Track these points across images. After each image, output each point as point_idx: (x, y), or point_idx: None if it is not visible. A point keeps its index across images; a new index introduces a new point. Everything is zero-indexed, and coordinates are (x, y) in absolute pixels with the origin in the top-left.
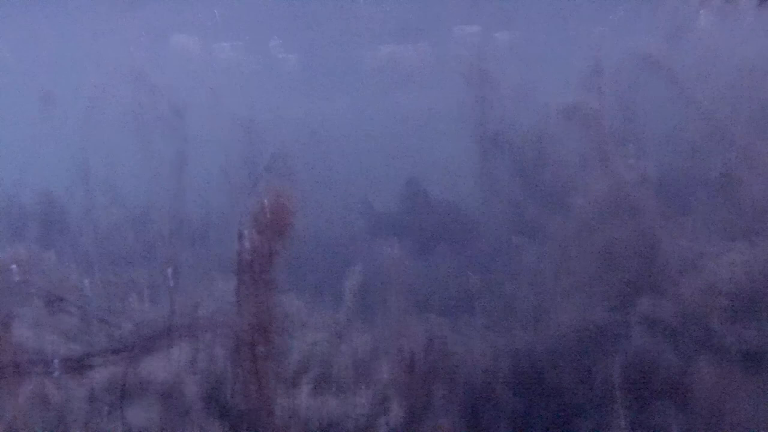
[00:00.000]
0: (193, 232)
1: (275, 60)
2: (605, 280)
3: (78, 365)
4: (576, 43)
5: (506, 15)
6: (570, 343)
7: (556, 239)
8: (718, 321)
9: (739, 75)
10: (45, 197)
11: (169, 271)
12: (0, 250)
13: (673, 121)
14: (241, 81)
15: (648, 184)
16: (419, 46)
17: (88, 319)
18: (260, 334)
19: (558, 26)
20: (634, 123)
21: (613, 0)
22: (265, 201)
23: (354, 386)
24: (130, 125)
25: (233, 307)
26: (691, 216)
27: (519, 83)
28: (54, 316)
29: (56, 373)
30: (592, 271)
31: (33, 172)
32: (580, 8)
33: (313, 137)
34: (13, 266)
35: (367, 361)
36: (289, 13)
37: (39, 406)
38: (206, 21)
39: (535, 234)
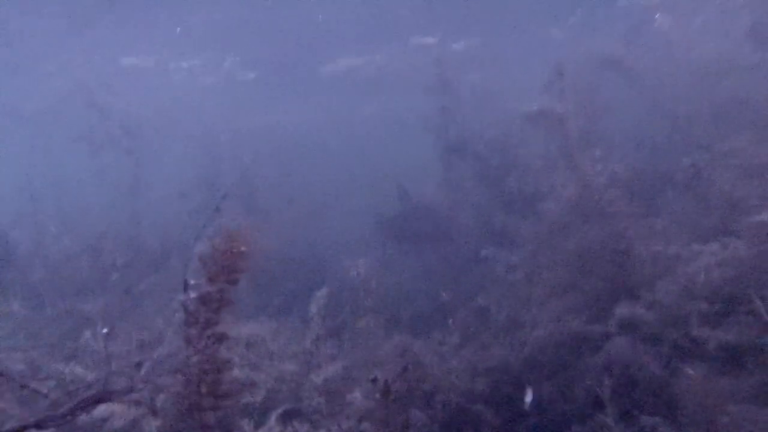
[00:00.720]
0: (148, 260)
1: (233, 78)
2: (580, 287)
3: None
4: (534, 49)
5: (463, 25)
6: (548, 356)
7: (527, 246)
8: (698, 325)
9: (696, 74)
10: None
11: (103, 331)
12: None
13: (635, 121)
14: (197, 99)
15: (616, 186)
16: (377, 57)
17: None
18: (208, 396)
19: (516, 33)
20: (598, 124)
21: (570, 3)
22: (217, 246)
23: (324, 419)
24: (79, 148)
25: (180, 364)
26: (660, 217)
27: (478, 90)
28: None
29: None
30: (566, 277)
31: None
32: (537, 14)
33: (269, 149)
34: None
35: (337, 389)
36: (246, 31)
37: None
38: (162, 41)
39: (504, 240)
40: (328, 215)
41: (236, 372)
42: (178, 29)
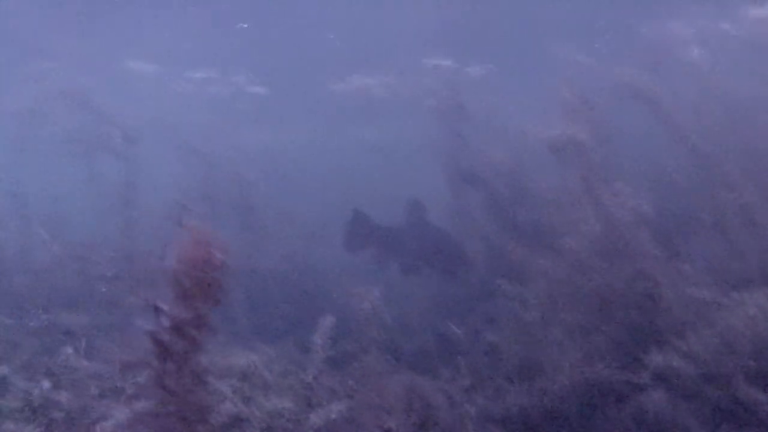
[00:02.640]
0: (140, 272)
1: (242, 92)
2: (602, 331)
3: None
4: (557, 75)
5: (479, 48)
6: (572, 407)
7: (543, 282)
8: (745, 385)
9: (728, 110)
10: None
11: (45, 385)
12: None
13: (661, 155)
14: (203, 110)
15: (643, 224)
16: (389, 78)
17: None
18: None
19: (538, 58)
20: (623, 157)
21: (599, 29)
22: (188, 255)
23: None
24: (70, 152)
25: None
26: (690, 259)
27: (493, 115)
28: None
29: None
30: (586, 319)
31: None
32: (565, 38)
33: (272, 166)
34: None
35: None
36: (259, 45)
37: None
38: (171, 49)
39: (516, 274)
40: (329, 235)
41: (227, 406)
42: (243, 24)
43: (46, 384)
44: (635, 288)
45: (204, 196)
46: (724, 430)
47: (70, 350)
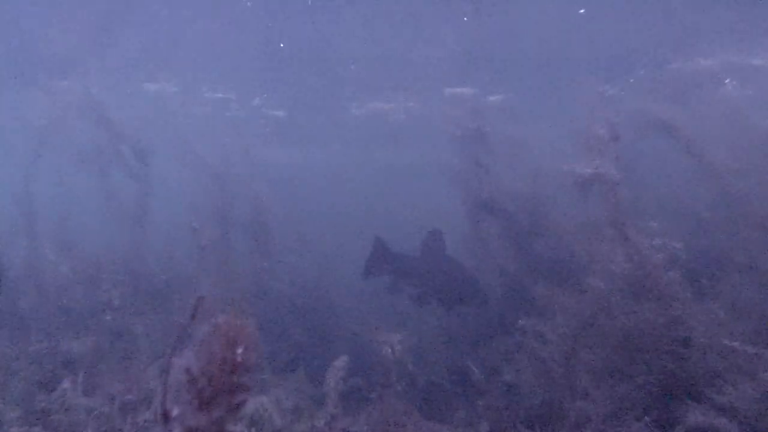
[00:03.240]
0: (148, 297)
1: (261, 114)
2: (631, 377)
3: None
4: (582, 107)
5: (501, 77)
6: None
7: (565, 321)
8: None
9: (760, 145)
10: None
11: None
12: None
13: (691, 192)
14: (220, 131)
15: (674, 265)
16: (409, 105)
17: None
18: None
19: (564, 88)
20: (653, 194)
21: (632, 61)
22: (210, 353)
23: None
24: (86, 171)
25: None
26: (724, 304)
27: (512, 145)
28: None
29: None
30: (612, 363)
31: None
32: (598, 71)
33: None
34: None
35: None
36: (278, 69)
37: None
38: (190, 70)
39: (535, 311)
40: (344, 261)
41: None
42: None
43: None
44: (667, 333)
45: (218, 217)
46: None
47: (67, 385)
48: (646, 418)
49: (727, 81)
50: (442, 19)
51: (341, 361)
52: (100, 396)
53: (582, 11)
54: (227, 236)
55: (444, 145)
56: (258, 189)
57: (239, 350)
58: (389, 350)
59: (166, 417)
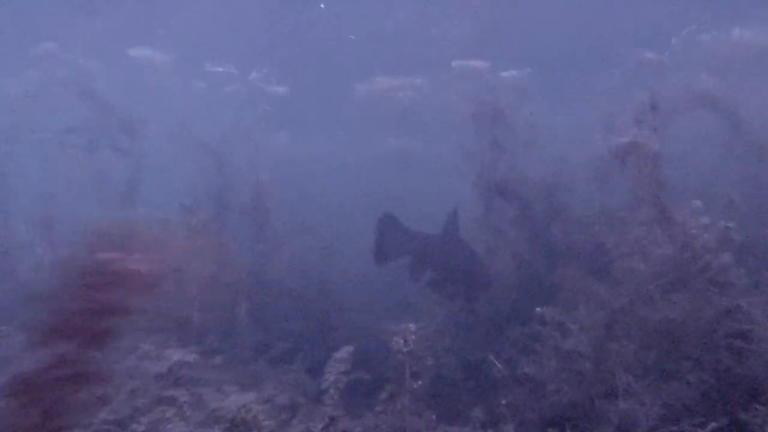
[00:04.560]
0: None
1: (261, 91)
2: (680, 376)
3: None
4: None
5: (515, 51)
6: None
7: (594, 310)
8: None
9: None
10: None
11: None
12: None
13: (736, 170)
14: (217, 107)
15: (729, 248)
16: (417, 80)
17: None
18: None
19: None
20: (696, 170)
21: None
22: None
23: None
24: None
25: None
26: None
27: (529, 124)
28: None
29: None
30: (656, 359)
31: None
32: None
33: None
34: None
35: None
36: (280, 43)
37: None
38: (183, 38)
39: (556, 299)
40: (346, 247)
41: None
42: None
43: None
44: (722, 324)
45: (213, 198)
46: None
47: None
48: (713, 424)
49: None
50: None
51: (344, 352)
52: None
53: None
54: (222, 217)
55: (455, 126)
56: (257, 170)
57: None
58: (401, 342)
59: None
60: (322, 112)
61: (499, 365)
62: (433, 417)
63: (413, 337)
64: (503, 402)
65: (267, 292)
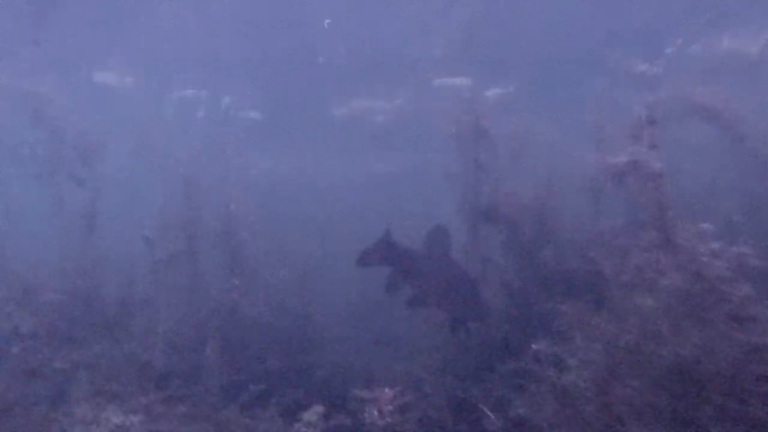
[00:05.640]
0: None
1: (233, 116)
2: (700, 424)
3: None
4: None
5: (498, 69)
6: None
7: (593, 345)
8: None
9: None
10: None
11: None
12: None
13: (740, 187)
14: (186, 133)
15: (746, 276)
16: (397, 101)
17: None
18: None
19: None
20: (699, 188)
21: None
22: None
23: None
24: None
25: None
26: None
27: (513, 143)
28: None
29: None
30: (671, 404)
31: None
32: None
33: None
34: None
35: None
36: (253, 68)
37: None
38: (150, 61)
39: (549, 332)
40: (325, 276)
41: None
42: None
43: None
44: (748, 366)
45: (183, 227)
46: None
47: None
48: None
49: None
50: None
51: (312, 414)
52: None
53: None
54: (192, 248)
55: (437, 147)
56: (231, 197)
57: None
58: (376, 414)
59: None
60: (299, 136)
61: (491, 414)
62: None
63: (390, 407)
64: None
65: (241, 328)
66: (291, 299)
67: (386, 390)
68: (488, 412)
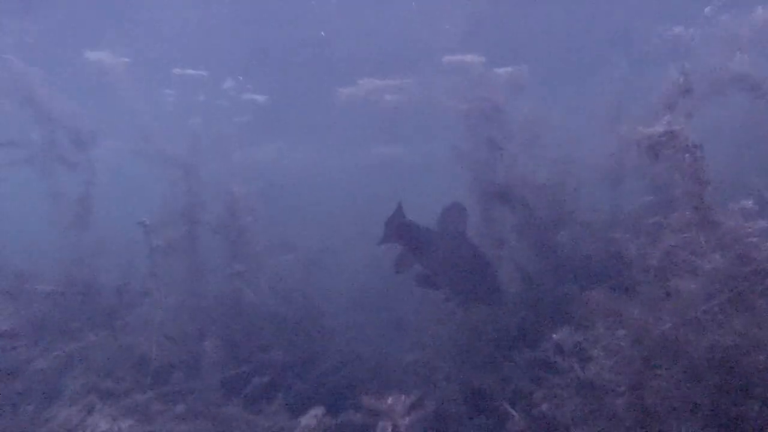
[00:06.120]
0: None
1: (236, 99)
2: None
3: None
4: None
5: (510, 46)
6: None
7: (623, 336)
8: None
9: None
10: None
11: None
12: None
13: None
14: (186, 117)
15: None
16: (404, 80)
17: None
18: None
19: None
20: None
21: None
22: None
23: None
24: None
25: None
26: None
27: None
28: None
29: None
30: (718, 405)
31: None
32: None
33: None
34: None
35: None
36: (259, 49)
37: None
38: (146, 39)
39: (569, 319)
40: (332, 264)
41: None
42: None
43: None
44: None
45: (183, 214)
46: None
47: None
48: None
49: None
50: None
51: (311, 418)
52: None
53: None
54: (192, 234)
55: (447, 129)
56: (234, 184)
57: None
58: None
59: None
60: (306, 120)
61: (514, 413)
62: None
63: (406, 420)
64: None
65: (243, 316)
66: (296, 286)
67: (401, 398)
68: (511, 410)
